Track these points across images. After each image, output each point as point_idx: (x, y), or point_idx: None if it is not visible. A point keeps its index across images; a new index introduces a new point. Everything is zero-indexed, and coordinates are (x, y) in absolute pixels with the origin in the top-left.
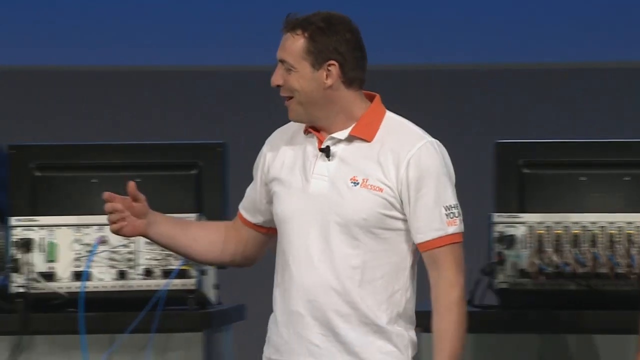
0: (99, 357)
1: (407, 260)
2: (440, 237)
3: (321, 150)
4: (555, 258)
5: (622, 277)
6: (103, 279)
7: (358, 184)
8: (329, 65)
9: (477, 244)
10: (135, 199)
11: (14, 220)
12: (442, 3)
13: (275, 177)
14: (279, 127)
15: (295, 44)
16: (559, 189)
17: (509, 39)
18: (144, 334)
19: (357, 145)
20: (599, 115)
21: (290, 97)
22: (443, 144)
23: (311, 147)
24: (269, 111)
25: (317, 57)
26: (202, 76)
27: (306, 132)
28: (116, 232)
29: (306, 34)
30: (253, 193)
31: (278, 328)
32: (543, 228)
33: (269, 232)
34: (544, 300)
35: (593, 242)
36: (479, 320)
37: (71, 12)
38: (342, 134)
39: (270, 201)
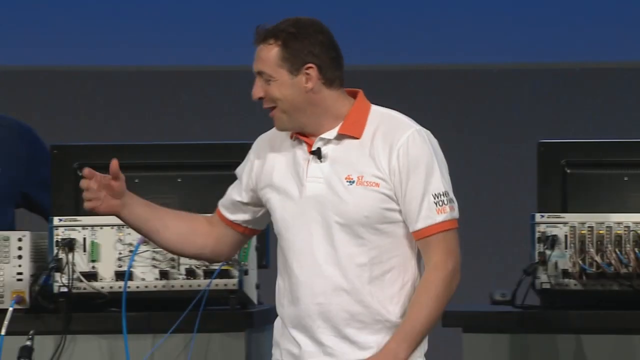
0: (141, 356)
1: (413, 250)
2: (430, 226)
3: (312, 152)
4: (597, 258)
5: None
6: (145, 278)
7: (354, 182)
8: (307, 68)
9: (520, 244)
10: (115, 178)
11: (56, 220)
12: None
13: (268, 184)
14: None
15: (269, 54)
16: (602, 189)
17: (554, 38)
18: (185, 333)
19: (347, 143)
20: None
21: (274, 107)
22: (486, 144)
23: (301, 151)
24: None
25: (293, 62)
26: (245, 76)
27: (292, 137)
28: (90, 209)
29: (279, 42)
30: (235, 193)
31: (289, 333)
32: (585, 228)
33: (245, 232)
34: (586, 301)
35: (636, 242)
36: (520, 320)
37: (101, 11)
38: (331, 134)
39: (255, 204)
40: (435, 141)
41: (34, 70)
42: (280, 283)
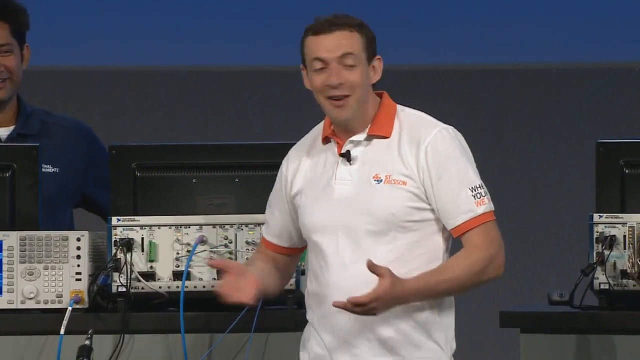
0: (199, 356)
1: (441, 248)
2: (472, 219)
3: (342, 155)
4: None
5: None
6: (203, 278)
7: (382, 181)
8: (377, 60)
9: (578, 245)
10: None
11: (115, 220)
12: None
13: (298, 191)
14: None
15: (353, 40)
16: None
17: (613, 38)
18: (243, 333)
19: (377, 143)
20: None
21: (346, 96)
22: (544, 144)
23: (331, 154)
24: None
25: (369, 52)
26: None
27: (325, 140)
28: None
29: (358, 30)
30: (281, 218)
31: (319, 336)
32: None
33: (301, 251)
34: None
35: None
36: (578, 321)
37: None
38: (361, 136)
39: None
40: (462, 138)
41: (94, 71)
42: (309, 287)
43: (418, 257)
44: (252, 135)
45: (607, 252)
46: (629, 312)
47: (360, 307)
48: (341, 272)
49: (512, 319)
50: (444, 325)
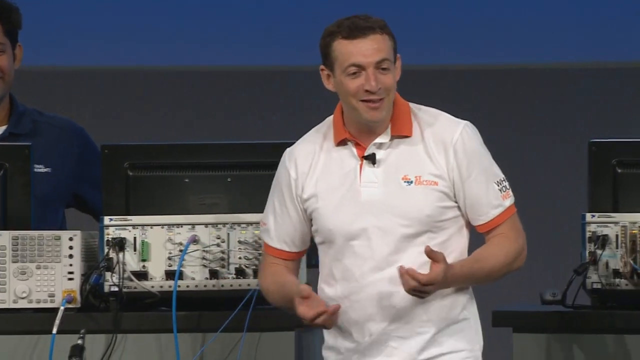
0: (191, 355)
1: (465, 246)
2: (502, 213)
3: (365, 157)
4: None
5: None
6: (195, 278)
7: (412, 182)
8: (398, 59)
9: (571, 244)
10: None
11: (107, 220)
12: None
13: (312, 194)
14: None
15: (387, 44)
16: None
17: (607, 37)
18: (235, 333)
19: (399, 143)
20: None
21: (382, 98)
22: (536, 143)
23: (348, 156)
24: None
25: (395, 54)
26: (296, 75)
27: (340, 143)
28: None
29: (386, 32)
30: (290, 223)
31: (348, 337)
32: (637, 228)
33: (304, 252)
34: (637, 301)
35: None
36: (571, 320)
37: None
38: (385, 137)
39: (309, 221)
40: (479, 133)
41: (86, 71)
42: (329, 291)
43: (450, 254)
44: (246, 135)
45: (599, 252)
46: (621, 311)
47: (414, 285)
48: (375, 275)
49: (504, 318)
50: (473, 322)
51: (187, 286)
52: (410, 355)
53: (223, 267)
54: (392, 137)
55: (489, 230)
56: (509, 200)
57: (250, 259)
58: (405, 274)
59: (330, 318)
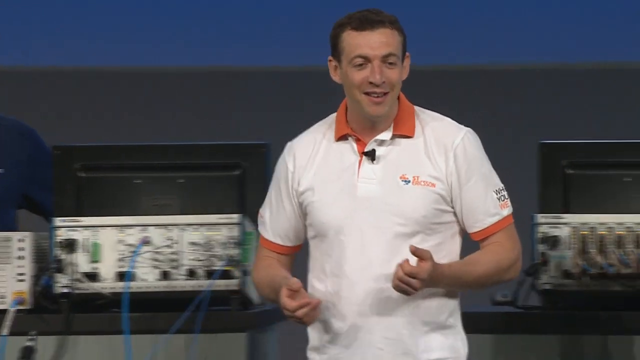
0: (143, 357)
1: (458, 252)
2: (498, 222)
3: (365, 153)
4: (599, 259)
5: None
6: (146, 279)
7: (409, 182)
8: (407, 57)
9: (522, 245)
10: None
11: (58, 221)
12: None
13: (308, 187)
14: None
15: (396, 39)
16: (603, 190)
17: (557, 38)
18: (187, 334)
19: (400, 143)
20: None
21: (385, 93)
22: (487, 144)
23: (348, 151)
24: (315, 112)
25: (404, 50)
26: (248, 76)
27: (340, 138)
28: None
29: (396, 27)
30: (286, 217)
31: (334, 336)
32: (587, 229)
33: (300, 246)
34: (588, 302)
35: (637, 243)
36: (522, 321)
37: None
38: (387, 135)
39: (304, 216)
40: (480, 141)
41: (33, 71)
42: (320, 287)
43: (440, 259)
44: (191, 136)
45: (550, 253)
46: (572, 312)
47: (402, 277)
48: (365, 273)
49: None
50: (459, 330)
51: (139, 287)
52: (395, 357)
53: (175, 268)
54: (394, 136)
55: (484, 238)
56: (507, 210)
57: (202, 260)
58: (397, 269)
59: (311, 313)
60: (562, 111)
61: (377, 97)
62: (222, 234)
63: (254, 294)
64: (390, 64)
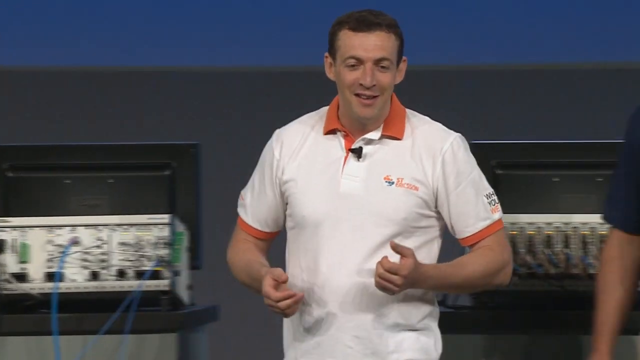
0: (72, 358)
1: (435, 256)
2: (489, 226)
3: (352, 150)
4: (528, 259)
5: (595, 278)
6: (76, 280)
7: (393, 183)
8: (403, 61)
9: (452, 244)
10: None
11: None
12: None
13: (291, 178)
14: (248, 127)
15: (392, 43)
16: (532, 190)
17: (482, 39)
18: (117, 335)
19: (388, 144)
20: (573, 116)
21: (376, 96)
22: None
23: (335, 146)
24: (243, 111)
25: (400, 54)
26: (175, 77)
27: (329, 132)
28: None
29: (394, 32)
30: (266, 203)
31: (306, 332)
32: (516, 229)
33: (277, 233)
34: (517, 301)
35: (566, 243)
36: (451, 320)
37: (41, 11)
38: (375, 134)
39: (285, 204)
40: (468, 146)
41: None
42: (296, 279)
43: None
44: (119, 136)
45: None
46: (502, 311)
47: (382, 274)
48: (340, 269)
49: None
50: (433, 335)
51: (68, 288)
52: (364, 356)
53: (104, 268)
54: (382, 136)
55: (474, 242)
56: (498, 214)
57: (132, 260)
58: (378, 264)
59: (293, 306)
60: (492, 112)
61: (367, 99)
62: (152, 234)
63: (184, 294)
64: (383, 67)
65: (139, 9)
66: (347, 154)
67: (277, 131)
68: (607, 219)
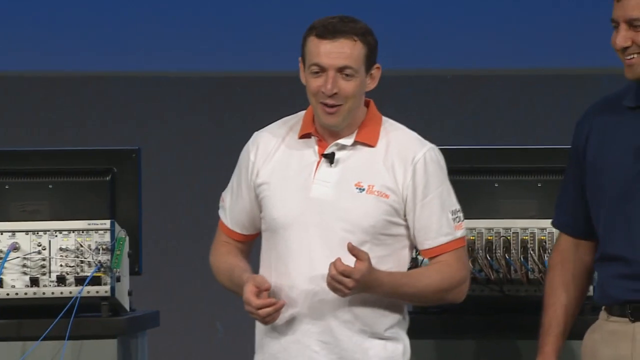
0: None
1: (405, 265)
2: (449, 242)
3: (324, 155)
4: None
5: (535, 283)
6: (15, 285)
7: (364, 190)
8: (375, 68)
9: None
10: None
11: None
12: None
13: (265, 181)
14: (188, 132)
15: (356, 50)
16: (473, 195)
17: (427, 44)
18: (56, 341)
19: (361, 150)
20: (513, 121)
21: (340, 104)
22: None
23: (309, 151)
24: (183, 117)
25: (370, 62)
26: (116, 82)
27: (303, 136)
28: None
29: (362, 39)
30: (242, 206)
31: (274, 335)
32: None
33: (256, 235)
34: (458, 306)
35: (506, 248)
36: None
37: None
38: (348, 140)
39: (260, 207)
40: (443, 159)
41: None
42: (272, 282)
43: (386, 270)
44: (61, 141)
45: (420, 257)
46: (442, 316)
47: (334, 275)
48: (308, 274)
49: None
50: (402, 345)
51: (7, 294)
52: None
53: (44, 274)
54: (355, 142)
55: (433, 256)
56: (461, 232)
57: (72, 266)
58: (331, 266)
59: (273, 314)
60: (441, 118)
61: (330, 107)
62: (93, 240)
63: (124, 300)
64: (347, 75)
65: (74, 13)
66: (320, 159)
67: (255, 133)
68: (555, 223)
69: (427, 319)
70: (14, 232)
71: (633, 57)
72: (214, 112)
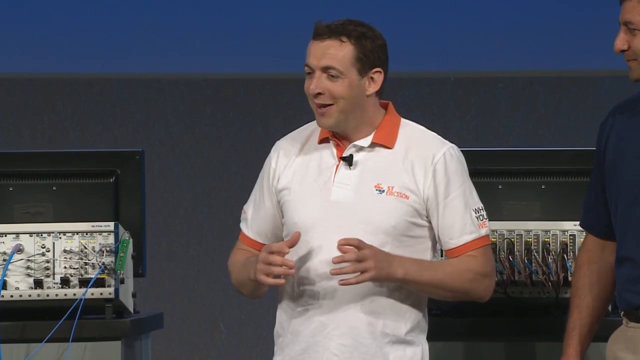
0: None
1: None
2: (474, 240)
3: (343, 158)
4: None
5: (539, 285)
6: (19, 287)
7: (383, 191)
8: (374, 72)
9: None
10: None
11: None
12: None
13: (286, 186)
14: (192, 135)
15: (342, 51)
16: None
17: (431, 47)
18: (61, 343)
19: (379, 152)
20: (516, 123)
21: (329, 105)
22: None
23: (328, 155)
24: (187, 119)
25: (364, 64)
26: (120, 84)
27: (322, 140)
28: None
29: (352, 41)
30: (265, 214)
31: (294, 338)
32: None
33: None
34: (461, 308)
35: (510, 250)
36: None
37: None
38: (365, 142)
39: (282, 213)
40: (463, 157)
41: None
42: (287, 287)
43: None
44: (65, 144)
45: None
46: (447, 318)
47: (351, 254)
48: (329, 277)
49: None
50: (420, 351)
51: (11, 296)
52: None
53: (48, 276)
54: (373, 144)
55: (458, 255)
56: (485, 230)
57: (76, 268)
58: (343, 244)
59: (277, 276)
60: (437, 119)
61: (320, 107)
62: (97, 242)
63: (128, 302)
64: (332, 76)
65: (79, 16)
66: (339, 162)
67: (277, 142)
68: (582, 224)
69: (430, 321)
70: (17, 234)
71: (630, 62)
72: (218, 114)
